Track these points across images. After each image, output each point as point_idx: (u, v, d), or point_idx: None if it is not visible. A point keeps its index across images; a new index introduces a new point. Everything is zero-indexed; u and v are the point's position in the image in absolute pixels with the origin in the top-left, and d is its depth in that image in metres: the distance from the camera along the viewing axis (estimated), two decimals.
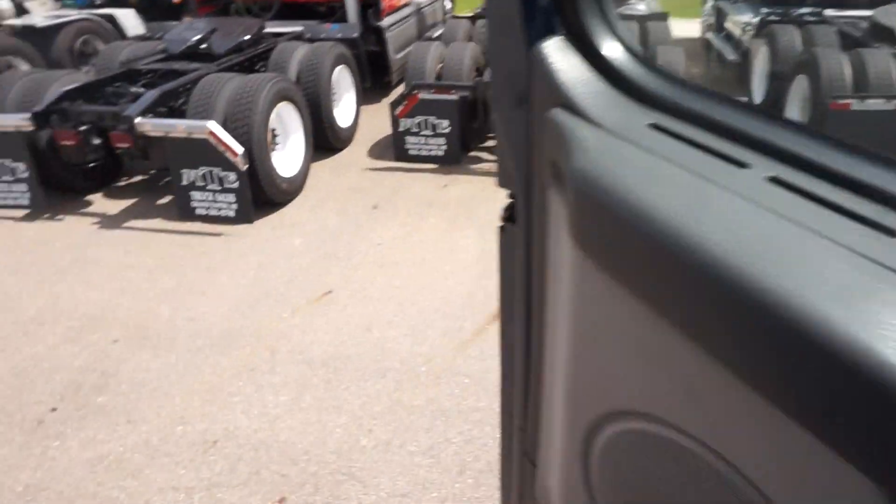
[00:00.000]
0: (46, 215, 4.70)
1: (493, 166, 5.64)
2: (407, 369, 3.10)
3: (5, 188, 4.66)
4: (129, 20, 7.44)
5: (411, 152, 5.67)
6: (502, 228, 0.99)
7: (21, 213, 4.72)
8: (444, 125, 5.50)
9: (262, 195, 4.59)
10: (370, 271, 3.98)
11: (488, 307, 3.60)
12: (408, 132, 5.59)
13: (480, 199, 5.01)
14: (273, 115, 4.68)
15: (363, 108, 6.60)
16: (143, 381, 2.95)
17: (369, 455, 2.59)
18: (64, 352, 3.16)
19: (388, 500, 2.39)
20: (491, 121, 5.72)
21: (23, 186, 4.62)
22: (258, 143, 4.45)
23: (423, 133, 5.59)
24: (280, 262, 4.07)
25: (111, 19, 7.34)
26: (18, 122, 4.38)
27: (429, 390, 2.96)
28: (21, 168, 4.54)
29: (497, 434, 2.76)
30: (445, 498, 2.41)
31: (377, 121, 6.61)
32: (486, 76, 5.53)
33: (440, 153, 5.64)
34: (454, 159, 5.62)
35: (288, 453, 2.57)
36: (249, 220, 4.51)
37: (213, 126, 4.22)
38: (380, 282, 3.86)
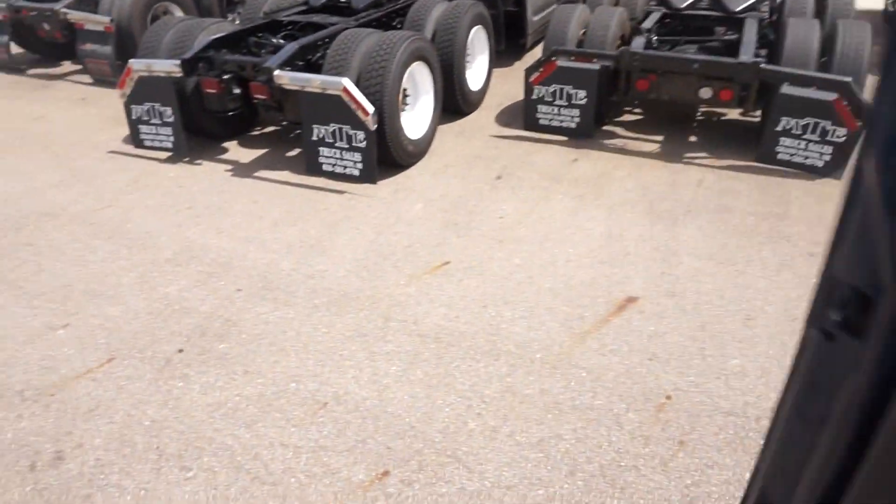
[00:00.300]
0: (186, 159, 4.98)
1: (627, 143, 5.29)
2: (521, 354, 2.97)
3: (153, 131, 4.98)
4: None
5: (542, 122, 5.44)
6: (826, 336, 0.66)
7: (164, 155, 5.03)
8: (581, 96, 5.21)
9: (387, 156, 4.58)
10: (489, 245, 3.86)
11: (611, 297, 3.38)
12: (540, 100, 5.35)
13: (611, 177, 4.72)
14: (406, 75, 4.62)
15: (494, 70, 6.41)
16: (261, 334, 3.04)
17: (476, 440, 2.51)
18: (193, 295, 3.33)
19: (492, 490, 2.30)
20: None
21: (168, 130, 4.90)
22: (389, 103, 4.42)
23: (556, 103, 5.33)
24: (399, 226, 4.05)
25: None
26: (169, 67, 4.62)
27: (542, 380, 2.82)
28: (168, 112, 4.81)
29: (613, 438, 2.60)
30: (553, 497, 2.29)
31: (507, 86, 6.43)
32: (634, 45, 5.14)
33: (572, 125, 5.36)
34: (586, 133, 5.33)
35: (394, 426, 2.55)
36: (373, 181, 4.52)
37: (347, 83, 4.22)
38: (498, 257, 3.74)
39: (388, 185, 4.58)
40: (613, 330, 3.15)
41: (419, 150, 4.93)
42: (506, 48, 6.84)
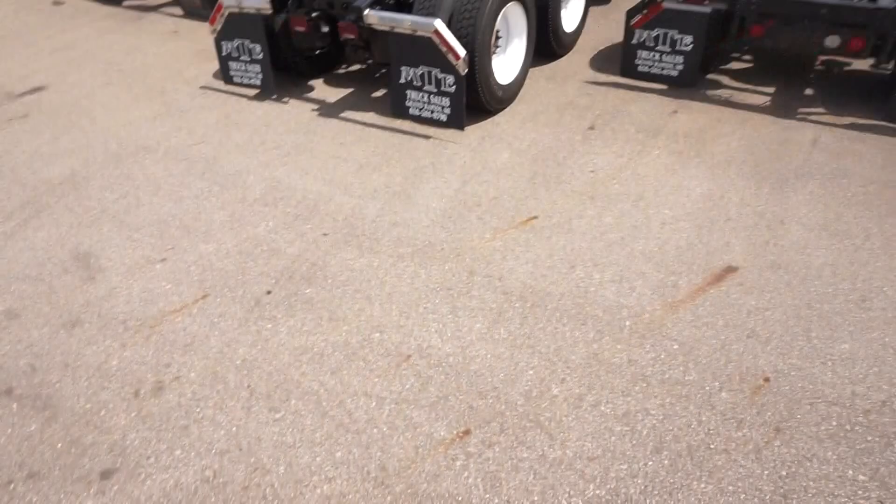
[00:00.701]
0: (274, 97, 5.01)
1: (733, 95, 4.91)
2: (609, 320, 2.88)
3: (242, 67, 5.02)
4: None
5: (640, 69, 5.11)
6: None
7: (252, 92, 5.08)
8: (687, 42, 4.85)
9: (476, 101, 4.44)
10: (579, 201, 3.72)
11: (710, 265, 3.20)
12: (641, 45, 5.02)
13: (715, 132, 4.42)
14: (500, 17, 4.42)
15: (591, 9, 6.06)
16: (347, 280, 3.08)
17: (559, 406, 2.47)
18: (280, 237, 3.39)
19: (573, 461, 2.27)
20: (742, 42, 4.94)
21: (257, 67, 4.93)
22: (481, 47, 4.25)
23: (658, 48, 4.98)
24: (486, 176, 3.96)
25: None
26: (259, 4, 4.59)
27: (631, 350, 2.73)
28: (257, 49, 4.82)
29: (703, 417, 2.50)
30: (636, 473, 2.24)
31: (603, 27, 6.07)
32: None
33: (674, 73, 5.02)
34: (689, 82, 4.98)
35: (477, 385, 2.54)
36: (461, 127, 4.42)
37: (440, 25, 4.07)
38: (589, 214, 3.60)
39: (475, 132, 4.46)
40: (709, 301, 3.00)
41: (509, 95, 4.76)
42: None
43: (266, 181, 3.91)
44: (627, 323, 2.88)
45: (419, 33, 4.14)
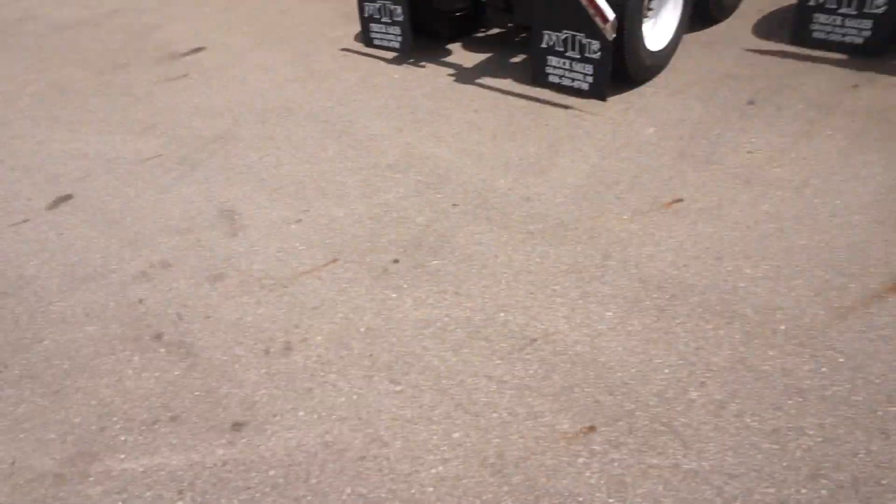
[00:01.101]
0: (411, 60, 4.95)
1: None
2: (760, 321, 2.56)
3: (382, 29, 5.00)
4: None
5: (816, 35, 4.49)
6: None
7: (391, 55, 5.06)
8: (879, 2, 4.16)
9: (621, 70, 4.11)
10: (732, 185, 3.34)
11: (889, 269, 2.75)
12: (819, 7, 4.39)
13: None
14: None
15: None
16: (473, 255, 2.97)
17: (696, 413, 2.23)
18: (410, 205, 3.35)
19: (710, 475, 2.04)
20: None
21: (397, 30, 4.88)
22: (632, 9, 3.89)
23: (841, 11, 4.34)
24: (627, 152, 3.66)
25: None
26: None
27: (785, 357, 2.41)
28: (398, 11, 4.76)
29: (874, 447, 2.15)
30: (786, 500, 1.97)
31: None
32: None
33: (858, 40, 4.36)
34: (877, 51, 4.30)
35: (605, 379, 2.35)
36: (602, 97, 4.12)
37: None
38: (743, 200, 3.22)
39: (617, 103, 4.14)
40: (888, 310, 2.57)
41: (658, 64, 4.37)
42: None
43: (400, 147, 3.88)
44: (783, 327, 2.54)
45: None
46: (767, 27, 4.91)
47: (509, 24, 5.31)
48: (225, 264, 2.98)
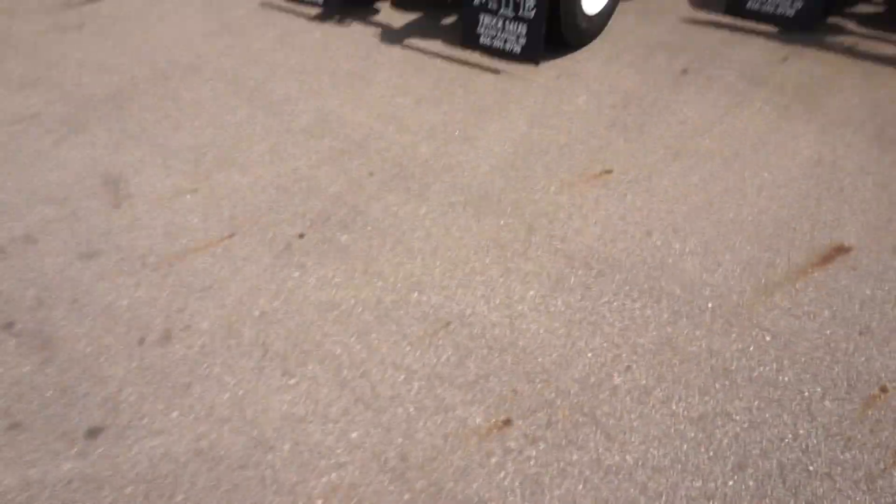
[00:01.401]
0: (336, 18, 4.54)
1: (858, 43, 4.10)
2: (688, 300, 2.38)
3: None
4: None
5: (750, 6, 4.34)
6: None
7: (313, 11, 4.62)
8: None
9: (555, 33, 3.83)
10: (663, 156, 3.14)
11: (814, 243, 2.62)
12: None
13: (832, 86, 3.68)
14: None
15: None
16: (388, 228, 2.67)
17: (621, 400, 2.03)
18: (322, 174, 3.00)
19: (634, 471, 1.85)
20: None
21: None
22: None
23: None
24: (557, 119, 3.41)
25: None
26: None
27: (713, 337, 2.24)
28: None
29: (801, 430, 2.01)
30: (712, 495, 1.80)
31: None
32: None
33: (789, 12, 4.23)
34: (806, 24, 4.18)
35: (524, 365, 2.12)
36: (535, 61, 3.85)
37: None
38: (673, 172, 3.03)
39: (550, 70, 3.88)
40: (813, 286, 2.44)
41: (593, 28, 4.12)
42: None
43: (315, 111, 3.50)
44: (710, 304, 2.37)
45: None
46: None
47: None
48: (102, 240, 2.57)
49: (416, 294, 2.36)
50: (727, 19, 4.39)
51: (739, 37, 4.20)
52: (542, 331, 2.25)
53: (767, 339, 2.26)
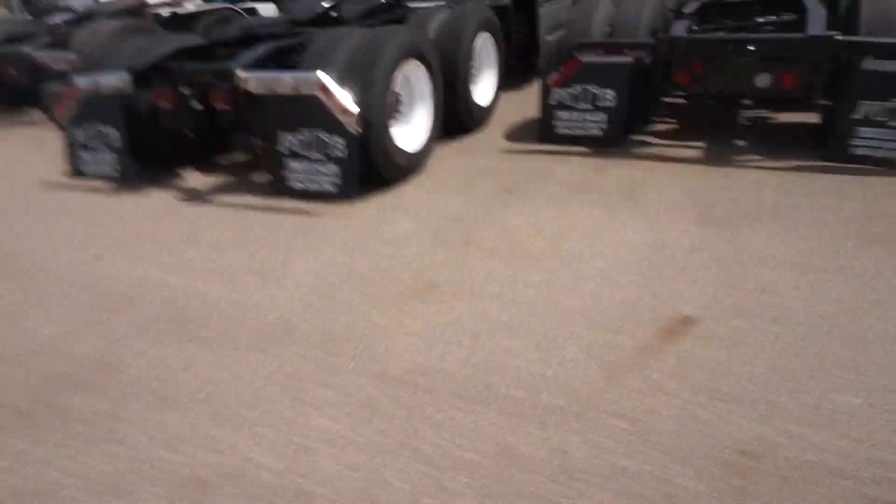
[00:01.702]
0: (130, 186, 4.21)
1: (664, 151, 4.37)
2: (530, 400, 2.00)
3: (95, 157, 4.27)
4: (270, 13, 7.25)
5: (560, 131, 4.57)
6: None
7: (103, 184, 4.29)
8: (609, 96, 4.35)
9: (373, 170, 3.76)
10: (494, 264, 2.94)
11: (660, 319, 2.42)
12: (560, 106, 4.51)
13: (649, 184, 3.80)
14: (399, 76, 3.88)
15: (504, 95, 5.63)
16: (150, 382, 2.14)
17: None
18: (71, 336, 2.47)
19: None
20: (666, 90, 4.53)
21: (113, 157, 4.19)
22: (377, 106, 3.62)
23: (579, 107, 4.47)
24: (378, 247, 3.17)
25: (252, 11, 7.19)
26: (117, 81, 3.97)
27: (561, 436, 1.84)
28: (113, 136, 4.13)
29: None
30: None
31: (518, 110, 5.52)
32: (675, 30, 4.30)
33: (597, 133, 4.48)
34: (614, 141, 4.43)
35: None
36: (351, 197, 3.69)
37: (324, 78, 3.46)
38: (504, 276, 2.81)
39: (370, 204, 3.74)
40: (664, 362, 2.16)
41: (413, 164, 4.11)
42: (516, 69, 6.09)
43: (85, 273, 3.02)
44: (555, 401, 2.00)
45: (302, 90, 3.53)
46: (519, 133, 5.00)
47: (254, 140, 4.81)
48: None
49: (169, 454, 1.79)
50: (543, 147, 4.58)
51: (557, 158, 4.36)
52: (339, 470, 1.74)
53: (623, 426, 1.88)
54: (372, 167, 3.75)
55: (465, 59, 4.71)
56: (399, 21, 5.10)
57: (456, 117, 4.80)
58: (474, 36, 4.86)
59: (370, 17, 5.21)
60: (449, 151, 4.65)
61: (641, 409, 1.92)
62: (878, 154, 3.78)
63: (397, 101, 4.01)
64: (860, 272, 2.65)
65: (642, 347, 2.25)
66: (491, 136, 4.97)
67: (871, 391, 1.95)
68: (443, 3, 5.24)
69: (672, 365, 2.14)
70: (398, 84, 3.92)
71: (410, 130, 4.17)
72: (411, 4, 5.61)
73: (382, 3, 5.33)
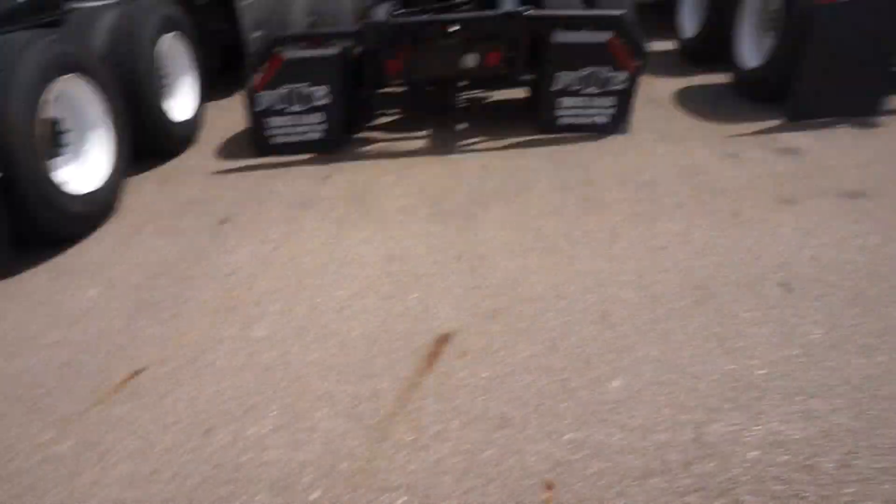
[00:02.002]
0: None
1: (390, 146, 4.23)
2: (282, 496, 1.62)
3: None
4: None
5: (277, 140, 4.17)
6: None
7: None
8: (320, 94, 4.03)
9: (30, 225, 2.96)
10: (213, 322, 2.46)
11: (415, 346, 2.22)
12: (270, 111, 4.08)
13: (378, 186, 3.61)
14: (52, 99, 3.09)
15: (213, 103, 5.03)
16: None
17: None
18: None
19: None
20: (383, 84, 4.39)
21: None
22: (21, 144, 2.82)
23: (291, 110, 4.10)
24: (52, 335, 2.47)
25: None
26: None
27: None
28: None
29: None
30: None
31: (231, 119, 4.97)
32: (376, 15, 4.14)
33: (317, 136, 4.17)
34: (336, 143, 4.16)
35: None
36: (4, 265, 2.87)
37: None
38: (228, 337, 2.37)
39: (39, 271, 2.96)
40: (430, 397, 1.96)
41: (95, 208, 3.37)
42: (222, 70, 5.48)
43: None
44: (313, 491, 1.65)
45: None
46: (232, 148, 4.45)
47: None
48: None
49: None
50: (261, 160, 4.13)
51: (279, 172, 3.95)
52: None
53: (403, 498, 1.62)
54: (27, 221, 2.94)
55: (149, 67, 4.01)
56: (50, 26, 4.14)
57: (150, 139, 4.09)
58: (157, 38, 4.15)
59: (7, 21, 4.15)
60: (146, 182, 3.95)
61: (420, 469, 1.70)
62: (580, 121, 4.08)
63: (56, 132, 3.22)
64: (610, 243, 2.74)
65: (403, 388, 2.01)
66: (199, 156, 4.36)
67: (637, 371, 1.96)
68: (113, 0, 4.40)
69: (440, 398, 1.94)
70: (53, 110, 3.14)
71: (85, 166, 3.41)
72: (74, 4, 4.62)
73: (35, 2, 4.26)
